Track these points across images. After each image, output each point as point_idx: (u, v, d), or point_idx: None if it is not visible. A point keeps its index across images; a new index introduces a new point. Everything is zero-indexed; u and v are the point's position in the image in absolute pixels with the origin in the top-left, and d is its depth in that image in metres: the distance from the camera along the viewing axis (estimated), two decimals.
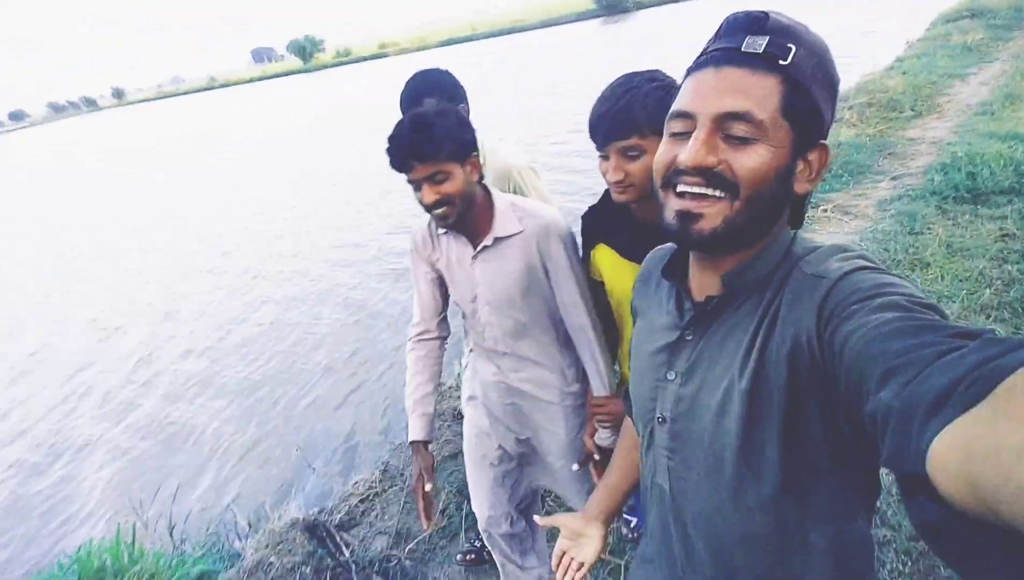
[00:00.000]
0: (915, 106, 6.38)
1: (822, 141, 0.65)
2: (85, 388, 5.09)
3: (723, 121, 0.61)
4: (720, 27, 0.66)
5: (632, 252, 1.30)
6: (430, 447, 1.57)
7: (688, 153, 0.62)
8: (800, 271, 0.65)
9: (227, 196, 12.00)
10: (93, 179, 19.17)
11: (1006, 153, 4.41)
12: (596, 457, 1.51)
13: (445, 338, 1.64)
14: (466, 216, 1.40)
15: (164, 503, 3.33)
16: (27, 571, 3.17)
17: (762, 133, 0.61)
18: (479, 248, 1.44)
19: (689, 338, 0.73)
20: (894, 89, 6.84)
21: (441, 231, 1.50)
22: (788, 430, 0.63)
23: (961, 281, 3.10)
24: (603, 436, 1.49)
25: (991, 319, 2.79)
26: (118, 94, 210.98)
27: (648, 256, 0.91)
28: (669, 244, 0.86)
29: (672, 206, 0.66)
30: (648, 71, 1.19)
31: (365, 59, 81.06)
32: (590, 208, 1.43)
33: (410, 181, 1.33)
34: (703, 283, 0.73)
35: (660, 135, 0.89)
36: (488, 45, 49.67)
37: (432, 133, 1.30)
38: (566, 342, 1.56)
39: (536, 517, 1.16)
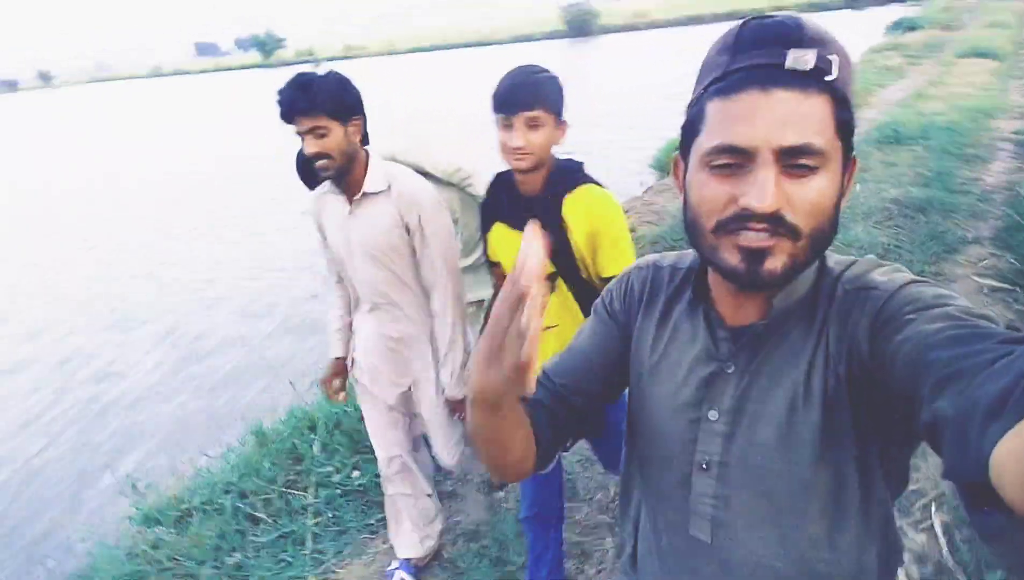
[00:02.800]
0: (856, 101, 8.92)
1: (854, 154, 0.60)
2: None
3: (785, 155, 0.54)
4: (740, 36, 0.57)
5: (522, 223, 1.57)
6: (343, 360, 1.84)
7: (760, 197, 0.54)
8: (842, 288, 0.62)
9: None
10: None
11: (915, 119, 6.83)
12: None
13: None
14: (346, 173, 1.53)
15: None
16: None
17: (823, 162, 0.55)
18: (353, 203, 1.57)
19: (731, 370, 0.66)
20: None
21: (323, 190, 1.66)
22: (861, 456, 0.60)
23: (890, 174, 5.35)
24: None
25: (912, 185, 5.00)
26: (44, 77, 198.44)
27: (635, 271, 0.80)
28: (658, 259, 0.79)
29: (732, 245, 0.58)
30: (534, 65, 1.36)
31: (331, 59, 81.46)
32: (484, 195, 1.54)
33: (297, 133, 1.47)
34: (740, 307, 0.66)
35: (554, 114, 1.18)
36: (457, 55, 51.38)
37: (312, 91, 1.43)
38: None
39: None
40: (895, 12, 21.51)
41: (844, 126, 0.57)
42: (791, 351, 0.63)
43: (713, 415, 0.67)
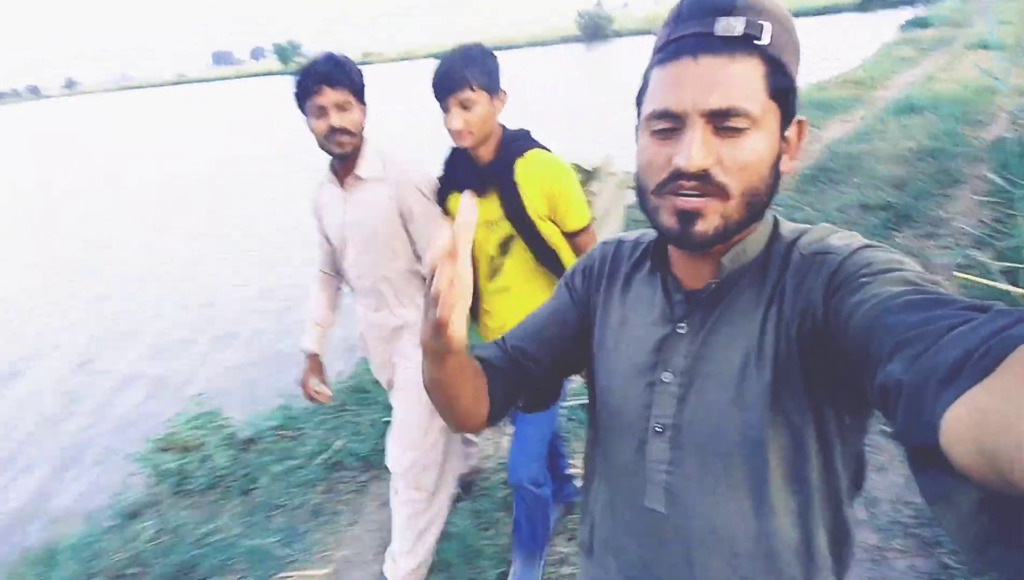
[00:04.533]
0: (873, 84, 10.01)
1: (799, 117, 0.62)
2: None
3: (714, 117, 0.57)
4: (678, 9, 0.61)
5: (478, 189, 1.50)
6: (320, 357, 1.77)
7: (687, 156, 0.57)
8: (798, 252, 0.63)
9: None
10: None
11: (927, 94, 7.95)
12: None
13: (342, 281, 1.81)
14: (354, 154, 1.57)
15: None
16: None
17: (753, 123, 0.57)
18: (347, 188, 1.60)
19: (683, 331, 0.67)
20: (861, 76, 10.55)
21: (322, 179, 1.68)
22: (818, 424, 0.61)
23: (906, 134, 6.45)
24: None
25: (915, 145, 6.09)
26: (70, 85, 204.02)
27: (599, 247, 0.82)
28: (621, 235, 0.82)
29: (669, 206, 0.60)
30: (470, 44, 1.45)
31: None
32: (441, 167, 1.61)
33: (315, 107, 1.49)
34: (694, 270, 0.68)
35: (487, 91, 1.22)
36: None
37: (346, 66, 1.50)
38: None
39: None
40: (905, 14, 22.56)
41: (778, 90, 0.58)
42: (743, 312, 0.64)
43: (667, 377, 0.67)
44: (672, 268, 0.71)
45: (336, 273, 1.81)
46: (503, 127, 1.52)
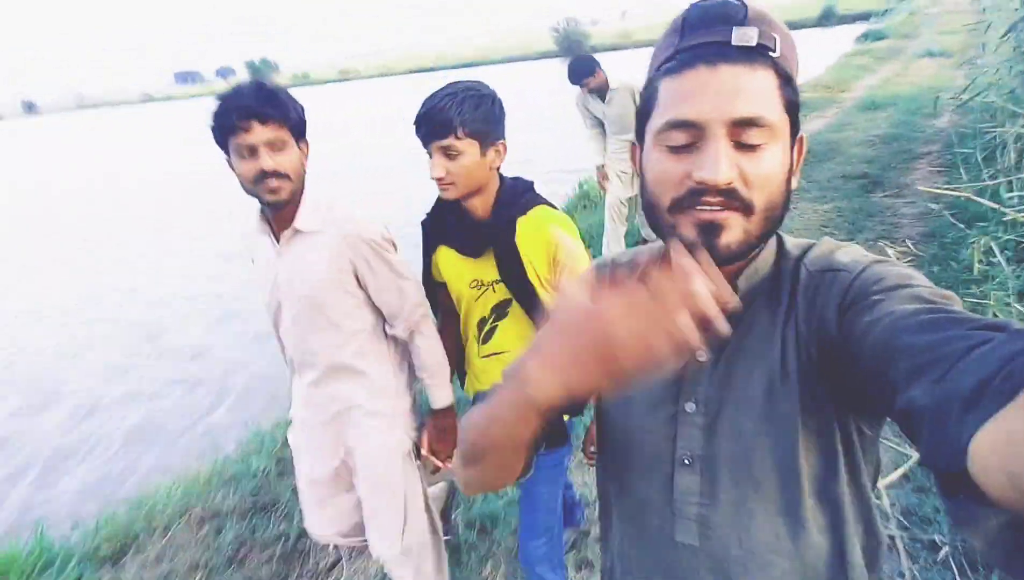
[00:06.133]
0: (840, 87, 11.53)
1: (801, 134, 0.62)
2: None
3: (737, 127, 0.55)
4: (687, 19, 0.59)
5: (472, 249, 1.36)
6: None
7: (713, 170, 0.55)
8: (805, 269, 0.62)
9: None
10: None
11: (886, 94, 9.42)
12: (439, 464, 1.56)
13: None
14: (292, 201, 1.34)
15: None
16: None
17: (772, 135, 0.56)
18: (281, 241, 1.39)
19: (703, 359, 0.65)
20: (829, 80, 12.12)
21: (253, 228, 1.44)
22: (843, 437, 0.61)
23: (871, 125, 7.79)
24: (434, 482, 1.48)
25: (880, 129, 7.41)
26: (28, 107, 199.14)
27: (594, 271, 0.80)
28: (615, 257, 0.79)
29: (689, 220, 0.58)
30: (470, 81, 1.29)
31: (327, 82, 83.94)
32: (428, 214, 1.44)
33: (241, 146, 1.25)
34: None
35: (476, 138, 1.08)
36: (454, 76, 53.58)
37: (278, 97, 1.27)
38: (388, 351, 1.51)
39: None
40: (860, 28, 24.70)
41: (790, 103, 0.58)
42: (762, 335, 0.63)
43: (690, 407, 0.65)
44: None
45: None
46: (502, 178, 1.37)
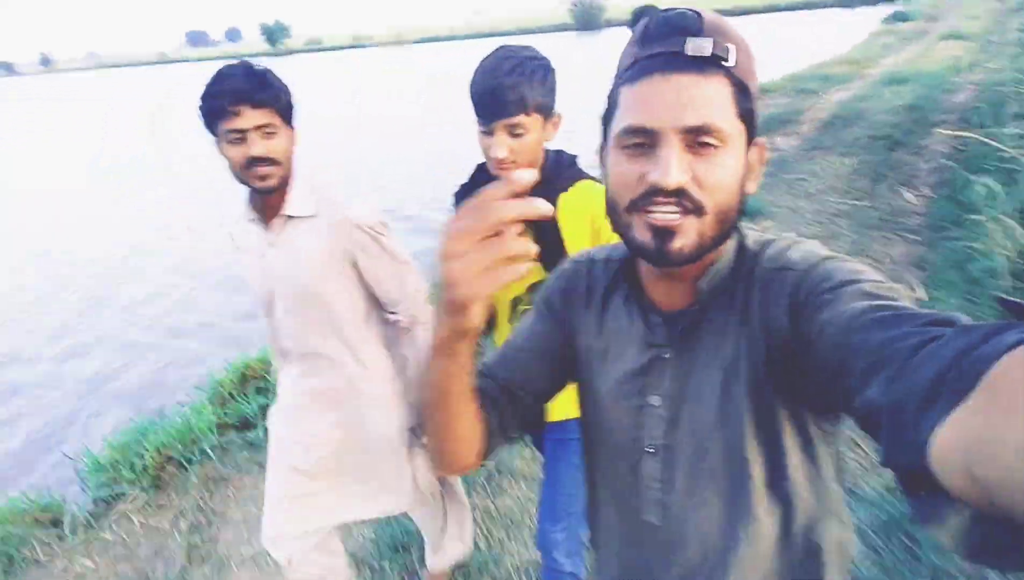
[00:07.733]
0: (865, 64, 12.09)
1: (759, 141, 0.65)
2: None
3: (688, 134, 0.59)
4: (646, 29, 0.62)
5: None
6: None
7: (664, 173, 0.58)
8: (762, 268, 0.65)
9: None
10: None
11: (910, 70, 10.01)
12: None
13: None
14: (281, 188, 1.33)
15: None
16: None
17: (724, 141, 0.59)
18: (272, 229, 1.36)
19: (667, 356, 0.69)
20: (855, 57, 12.72)
21: (242, 216, 1.42)
22: (797, 432, 0.64)
23: (897, 97, 8.41)
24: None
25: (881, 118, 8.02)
26: (45, 62, 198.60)
27: (572, 266, 0.82)
28: (593, 252, 0.82)
29: (643, 223, 0.61)
30: (524, 47, 1.20)
31: (339, 48, 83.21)
32: (461, 186, 1.38)
33: (230, 132, 1.24)
34: (670, 293, 0.70)
35: (542, 113, 1.05)
36: (467, 46, 53.13)
37: (268, 81, 1.25)
38: (381, 336, 1.48)
39: None
40: (883, 11, 24.92)
41: (745, 111, 0.60)
42: (720, 332, 0.66)
43: (655, 401, 0.70)
44: (646, 290, 0.72)
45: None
46: (546, 152, 1.31)
